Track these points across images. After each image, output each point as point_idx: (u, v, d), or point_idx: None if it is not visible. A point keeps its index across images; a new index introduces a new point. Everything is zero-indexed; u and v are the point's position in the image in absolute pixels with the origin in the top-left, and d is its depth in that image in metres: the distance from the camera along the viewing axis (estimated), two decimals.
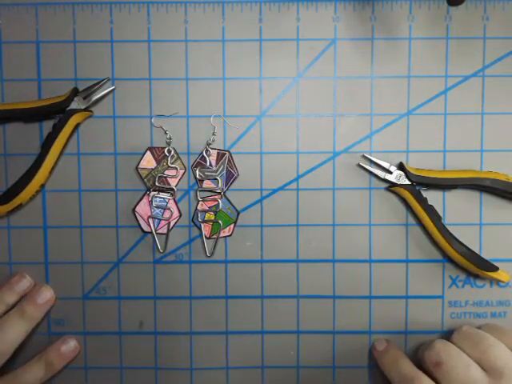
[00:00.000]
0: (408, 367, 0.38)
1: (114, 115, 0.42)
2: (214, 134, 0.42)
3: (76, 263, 0.43)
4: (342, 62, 0.42)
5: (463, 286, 0.43)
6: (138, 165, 0.42)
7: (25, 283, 0.41)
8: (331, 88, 0.42)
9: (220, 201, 0.42)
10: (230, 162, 0.42)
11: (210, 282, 0.43)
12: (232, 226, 0.42)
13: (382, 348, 0.41)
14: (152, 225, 0.42)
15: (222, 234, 0.42)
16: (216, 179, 0.42)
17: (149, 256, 0.43)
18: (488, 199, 0.42)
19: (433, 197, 0.42)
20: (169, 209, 0.42)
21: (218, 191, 0.42)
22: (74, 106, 0.41)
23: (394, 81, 0.42)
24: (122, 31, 0.42)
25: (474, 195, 0.42)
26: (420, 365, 0.39)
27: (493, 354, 0.36)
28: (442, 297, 0.43)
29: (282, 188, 0.42)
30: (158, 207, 0.42)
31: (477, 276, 0.42)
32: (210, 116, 0.42)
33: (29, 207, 0.42)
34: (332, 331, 0.43)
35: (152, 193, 0.42)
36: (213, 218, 0.42)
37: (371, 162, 0.42)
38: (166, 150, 0.42)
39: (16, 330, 0.39)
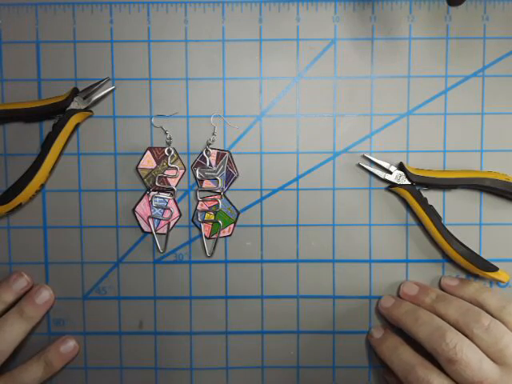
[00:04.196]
0: (409, 354, 0.38)
1: (114, 115, 0.42)
2: (214, 134, 0.42)
3: (76, 263, 0.43)
4: (342, 62, 0.42)
5: None
6: (138, 165, 0.42)
7: (22, 282, 0.41)
8: (331, 88, 0.42)
9: (220, 201, 0.42)
10: (230, 162, 0.42)
11: (210, 282, 0.43)
12: (232, 225, 0.42)
13: (380, 335, 0.41)
14: (152, 225, 0.42)
15: (221, 234, 0.42)
16: (216, 179, 0.42)
17: (149, 256, 0.43)
18: (488, 199, 0.42)
19: (433, 197, 0.42)
20: (169, 209, 0.42)
21: (218, 191, 0.42)
22: (73, 106, 0.41)
23: (394, 81, 0.42)
24: (122, 31, 0.42)
25: (473, 195, 0.42)
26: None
27: (504, 345, 0.35)
28: None
29: (282, 188, 0.42)
30: (158, 207, 0.42)
31: (477, 276, 0.42)
32: (210, 116, 0.42)
33: (29, 207, 0.42)
34: (332, 331, 0.43)
35: (152, 193, 0.42)
36: (213, 218, 0.42)
37: (371, 161, 0.42)
38: (166, 150, 0.42)
39: (15, 330, 0.39)
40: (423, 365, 0.37)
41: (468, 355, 0.35)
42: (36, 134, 0.42)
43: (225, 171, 0.42)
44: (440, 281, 0.42)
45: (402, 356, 0.38)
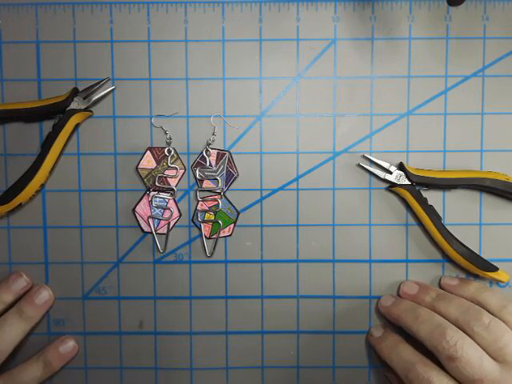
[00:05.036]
0: (409, 352, 0.38)
1: (114, 115, 0.42)
2: (214, 134, 0.42)
3: (76, 263, 0.43)
4: (342, 62, 0.42)
5: None
6: (138, 165, 0.42)
7: (21, 282, 0.41)
8: (331, 88, 0.42)
9: (220, 201, 0.42)
10: (230, 162, 0.42)
11: (210, 282, 0.43)
12: (232, 225, 0.42)
13: (380, 334, 0.41)
14: (152, 225, 0.42)
15: (221, 234, 0.42)
16: (216, 179, 0.42)
17: (149, 256, 0.43)
18: (488, 199, 0.42)
19: (433, 197, 0.42)
20: (169, 209, 0.42)
21: (218, 191, 0.42)
22: (73, 106, 0.41)
23: (394, 81, 0.42)
24: (122, 31, 0.42)
25: (473, 195, 0.42)
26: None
27: (505, 343, 0.35)
28: None
29: (282, 188, 0.42)
30: (158, 207, 0.42)
31: (477, 276, 0.42)
32: (210, 116, 0.42)
33: (29, 207, 0.42)
34: (332, 331, 0.43)
35: (152, 193, 0.42)
36: (213, 218, 0.42)
37: (371, 161, 0.42)
38: (166, 150, 0.42)
39: (14, 330, 0.39)
40: (423, 362, 0.37)
41: (468, 353, 0.35)
42: (36, 134, 0.42)
43: (225, 171, 0.42)
44: (440, 280, 0.42)
45: (401, 354, 0.38)
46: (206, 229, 0.42)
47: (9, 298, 0.40)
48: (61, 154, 0.41)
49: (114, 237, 0.42)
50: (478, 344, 0.36)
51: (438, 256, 0.43)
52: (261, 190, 0.42)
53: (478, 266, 0.40)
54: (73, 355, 0.42)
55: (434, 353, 0.37)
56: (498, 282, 0.42)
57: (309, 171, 0.42)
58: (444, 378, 0.36)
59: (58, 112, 0.40)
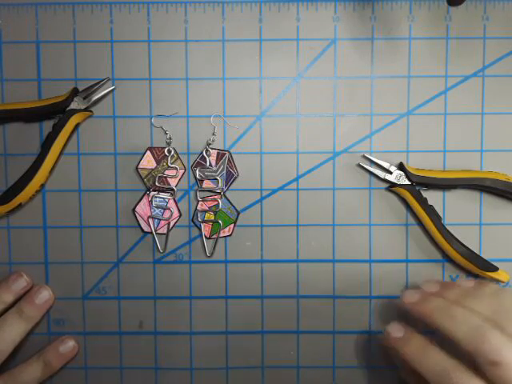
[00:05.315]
0: (441, 357, 0.35)
1: (114, 115, 0.42)
2: (214, 134, 0.42)
3: (76, 263, 0.43)
4: (342, 62, 0.42)
5: None
6: (138, 165, 0.42)
7: (22, 282, 0.41)
8: (331, 88, 0.42)
9: (220, 201, 0.42)
10: (230, 162, 0.42)
11: (210, 282, 0.43)
12: (232, 226, 0.42)
13: (401, 334, 0.37)
14: (152, 225, 0.42)
15: (221, 234, 0.42)
16: (216, 179, 0.42)
17: (149, 256, 0.43)
18: (488, 199, 0.42)
19: (433, 197, 0.42)
20: (169, 209, 0.42)
21: (218, 191, 0.42)
22: (73, 106, 0.41)
23: (394, 81, 0.42)
24: (122, 31, 0.42)
25: (473, 195, 0.42)
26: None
27: None
28: None
29: (281, 188, 0.42)
30: (157, 207, 0.42)
31: (477, 276, 0.42)
32: (210, 116, 0.42)
33: (29, 207, 0.42)
34: (332, 331, 0.43)
35: (152, 193, 0.42)
36: (213, 218, 0.42)
37: (371, 161, 0.42)
38: (166, 150, 0.42)
39: (14, 330, 0.39)
40: (459, 369, 0.34)
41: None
42: (36, 134, 0.42)
43: (225, 171, 0.42)
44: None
45: (433, 359, 0.35)
46: (206, 229, 0.42)
47: (9, 298, 0.40)
48: (61, 153, 0.41)
49: (114, 237, 0.43)
50: None
51: (438, 256, 0.43)
52: (261, 190, 0.42)
53: (478, 266, 0.40)
54: (73, 355, 0.42)
55: (472, 356, 0.33)
56: (498, 282, 0.42)
57: (309, 171, 0.42)
58: None
59: (58, 112, 0.40)
